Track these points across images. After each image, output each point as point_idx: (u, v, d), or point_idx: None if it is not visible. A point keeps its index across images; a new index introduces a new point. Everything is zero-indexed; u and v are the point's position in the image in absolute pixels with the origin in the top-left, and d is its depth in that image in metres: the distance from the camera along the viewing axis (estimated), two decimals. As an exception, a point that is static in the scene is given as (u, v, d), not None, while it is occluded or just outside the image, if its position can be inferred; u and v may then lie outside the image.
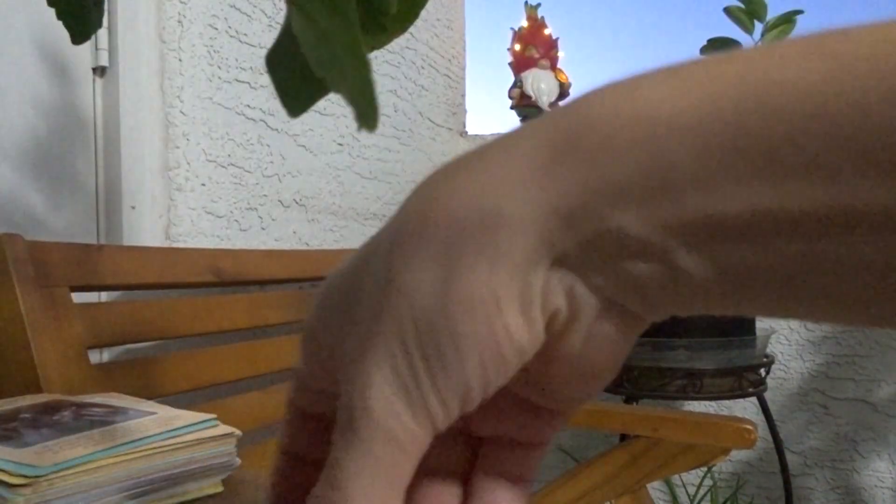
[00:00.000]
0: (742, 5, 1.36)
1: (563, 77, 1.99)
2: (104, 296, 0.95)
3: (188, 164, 1.10)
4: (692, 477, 1.73)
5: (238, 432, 0.53)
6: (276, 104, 1.23)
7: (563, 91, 1.99)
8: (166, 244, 1.07)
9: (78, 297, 0.78)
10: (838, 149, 0.15)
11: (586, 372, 0.20)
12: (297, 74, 0.29)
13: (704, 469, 1.67)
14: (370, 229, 1.58)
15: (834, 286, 0.16)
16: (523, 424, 0.22)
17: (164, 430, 0.49)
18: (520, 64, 1.99)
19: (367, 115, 0.26)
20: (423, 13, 0.36)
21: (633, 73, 0.18)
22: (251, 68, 1.22)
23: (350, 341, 0.19)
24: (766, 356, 1.44)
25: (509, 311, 0.18)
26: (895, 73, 0.14)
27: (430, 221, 0.18)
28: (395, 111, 1.68)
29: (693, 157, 0.16)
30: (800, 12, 1.36)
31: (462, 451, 0.23)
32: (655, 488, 1.75)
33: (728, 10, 1.38)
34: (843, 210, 0.15)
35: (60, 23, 0.38)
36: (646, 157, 0.16)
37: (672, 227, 0.17)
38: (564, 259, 0.18)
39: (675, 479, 1.74)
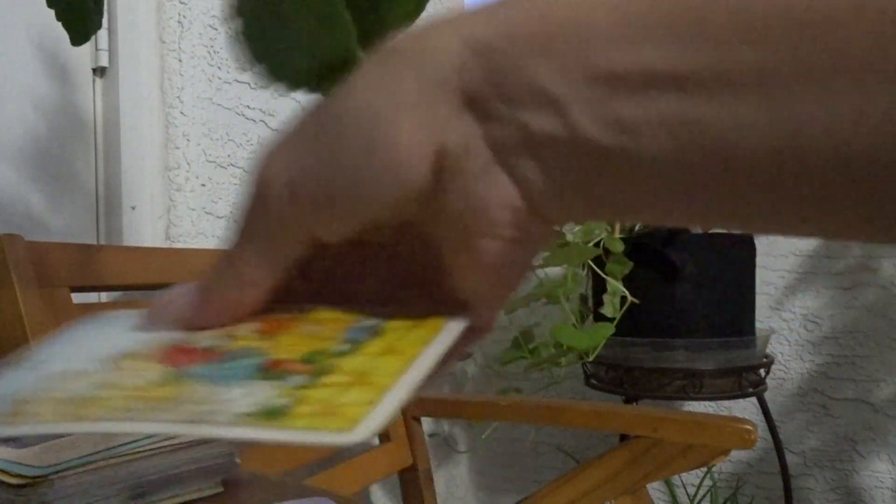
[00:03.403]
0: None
1: (563, 77, 1.99)
2: (104, 296, 0.95)
3: (188, 164, 1.10)
4: (692, 477, 1.73)
5: (238, 432, 0.53)
6: (276, 104, 1.23)
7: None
8: (166, 244, 1.07)
9: (78, 298, 0.78)
10: (722, 20, 0.17)
11: (480, 248, 0.21)
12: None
13: (704, 469, 1.67)
14: (370, 230, 1.58)
15: (721, 156, 0.18)
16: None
17: (163, 430, 0.49)
18: (520, 64, 1.99)
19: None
20: (422, 13, 0.36)
21: None
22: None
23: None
24: (766, 356, 1.44)
25: (405, 118, 0.20)
26: None
27: (386, 50, 0.21)
28: (395, 111, 1.68)
29: (604, 20, 0.18)
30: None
31: None
32: (655, 488, 1.75)
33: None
34: (724, 70, 0.17)
35: (60, 24, 0.38)
36: (564, 13, 0.19)
37: (576, 80, 0.18)
38: (475, 96, 0.20)
39: (675, 479, 1.74)
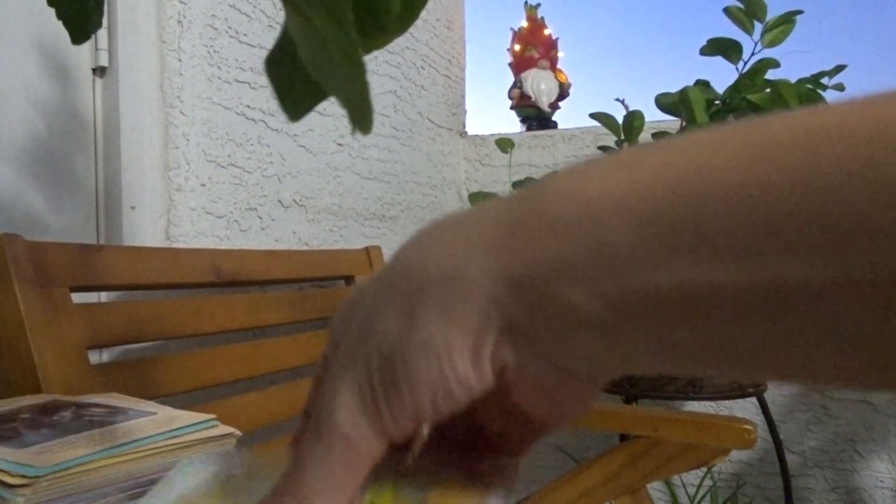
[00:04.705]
0: (741, 6, 1.36)
1: (563, 77, 1.99)
2: (104, 296, 0.95)
3: (188, 164, 1.10)
4: (692, 477, 1.73)
5: (238, 433, 0.53)
6: (276, 104, 1.23)
7: (563, 91, 1.99)
8: (166, 244, 1.07)
9: (78, 298, 0.78)
10: (757, 230, 0.16)
11: (546, 411, 0.23)
12: (297, 78, 0.29)
13: (704, 469, 1.67)
14: (370, 229, 1.58)
15: (773, 358, 0.18)
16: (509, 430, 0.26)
17: (163, 430, 0.49)
18: (520, 64, 1.99)
19: (361, 117, 0.26)
20: (423, 13, 0.36)
21: (588, 160, 0.21)
22: (251, 69, 1.22)
23: (335, 360, 0.23)
24: (766, 356, 1.44)
25: (459, 360, 0.21)
26: (803, 160, 0.16)
27: (406, 276, 0.22)
28: (395, 111, 1.68)
29: (630, 237, 0.18)
30: (799, 12, 1.36)
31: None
32: (655, 488, 1.75)
33: (728, 11, 1.38)
34: (764, 286, 0.17)
35: (60, 23, 0.38)
36: (588, 235, 0.19)
37: (613, 302, 0.19)
38: (515, 325, 0.20)
39: (675, 479, 1.74)
